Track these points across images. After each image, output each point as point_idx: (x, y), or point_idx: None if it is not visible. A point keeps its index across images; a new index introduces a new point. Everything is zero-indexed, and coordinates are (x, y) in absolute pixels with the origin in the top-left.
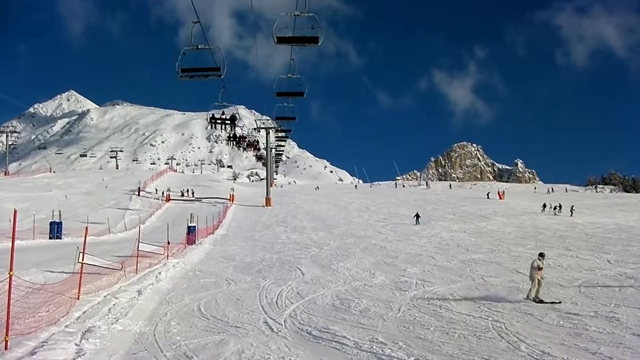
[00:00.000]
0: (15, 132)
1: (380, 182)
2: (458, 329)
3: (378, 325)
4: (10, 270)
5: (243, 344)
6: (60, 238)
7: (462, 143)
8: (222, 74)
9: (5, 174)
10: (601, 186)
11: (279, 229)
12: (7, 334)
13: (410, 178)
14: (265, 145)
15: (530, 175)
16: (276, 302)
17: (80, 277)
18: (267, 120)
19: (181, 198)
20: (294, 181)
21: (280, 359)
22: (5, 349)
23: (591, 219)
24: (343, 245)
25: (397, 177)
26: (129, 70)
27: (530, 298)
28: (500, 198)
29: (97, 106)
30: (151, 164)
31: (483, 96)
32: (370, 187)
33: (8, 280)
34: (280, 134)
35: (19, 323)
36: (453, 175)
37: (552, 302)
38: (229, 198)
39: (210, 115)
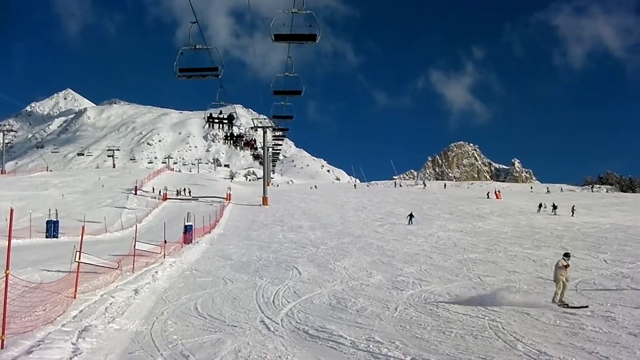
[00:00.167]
0: (12, 130)
1: (377, 182)
2: (455, 328)
3: (375, 325)
4: (7, 269)
5: (240, 343)
6: (57, 237)
7: (459, 142)
8: (219, 74)
9: (1, 173)
10: (598, 186)
11: (276, 228)
12: (3, 333)
13: (407, 177)
14: (262, 144)
15: (527, 175)
16: (273, 301)
17: (77, 276)
18: (265, 119)
19: (178, 197)
20: (291, 180)
21: (277, 358)
22: (2, 347)
23: (588, 218)
24: (340, 245)
25: (394, 177)
26: (126, 69)
27: (555, 302)
28: (497, 197)
29: (94, 105)
30: (148, 162)
31: (480, 96)
32: (368, 186)
33: (4, 279)
34: (277, 133)
35: (15, 322)
36: (450, 174)
37: (580, 307)
38: (225, 197)
39: (208, 115)
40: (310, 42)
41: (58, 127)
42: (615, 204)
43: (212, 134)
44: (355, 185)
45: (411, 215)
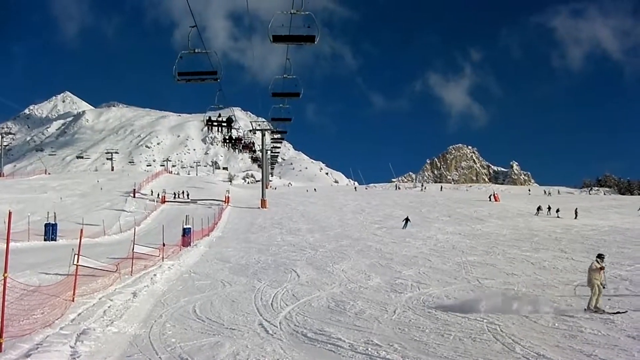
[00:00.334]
0: (10, 133)
1: (376, 184)
2: (453, 331)
3: (373, 327)
4: (5, 271)
5: (238, 346)
6: (55, 240)
7: (457, 145)
8: (218, 78)
9: (0, 176)
10: (596, 188)
11: (275, 231)
12: (1, 336)
13: (405, 180)
14: (260, 147)
15: (526, 178)
16: (271, 304)
17: (75, 279)
18: (263, 122)
19: (175, 200)
20: (290, 183)
21: None
22: (0, 351)
23: (586, 221)
24: (338, 247)
25: (393, 179)
26: (125, 71)
27: (591, 308)
28: (496, 200)
29: (92, 108)
30: (147, 165)
31: (478, 98)
32: (366, 189)
33: (2, 282)
34: (276, 136)
35: (14, 325)
36: (449, 177)
37: (616, 313)
38: (224, 200)
39: (207, 118)
40: (309, 44)
41: (56, 129)
42: (614, 206)
43: (211, 137)
44: (355, 187)
45: (407, 220)
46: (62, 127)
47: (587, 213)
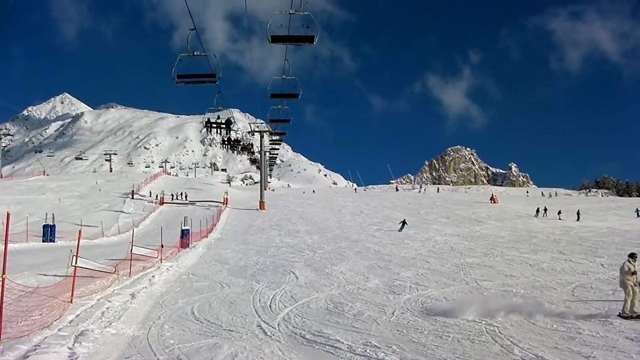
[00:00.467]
0: (8, 134)
1: (375, 186)
2: (452, 332)
3: (372, 329)
4: (3, 273)
5: (236, 348)
6: (54, 241)
7: (456, 147)
8: (217, 80)
9: None
10: (594, 190)
11: (273, 233)
12: None
13: (404, 182)
14: (259, 148)
15: (524, 179)
16: (270, 305)
17: (74, 281)
18: (262, 123)
19: (174, 201)
20: (288, 185)
21: None
22: None
23: (585, 222)
24: (337, 249)
25: (392, 181)
26: (123, 73)
27: (626, 313)
28: (494, 202)
29: (91, 109)
30: (145, 167)
31: (477, 100)
32: (365, 190)
33: (1, 283)
34: (274, 137)
35: (12, 327)
36: (447, 178)
37: None
38: (222, 201)
39: (206, 120)
40: (307, 44)
41: (55, 131)
42: (612, 208)
43: (209, 139)
44: (355, 189)
45: (404, 223)
46: (61, 128)
47: (586, 215)
